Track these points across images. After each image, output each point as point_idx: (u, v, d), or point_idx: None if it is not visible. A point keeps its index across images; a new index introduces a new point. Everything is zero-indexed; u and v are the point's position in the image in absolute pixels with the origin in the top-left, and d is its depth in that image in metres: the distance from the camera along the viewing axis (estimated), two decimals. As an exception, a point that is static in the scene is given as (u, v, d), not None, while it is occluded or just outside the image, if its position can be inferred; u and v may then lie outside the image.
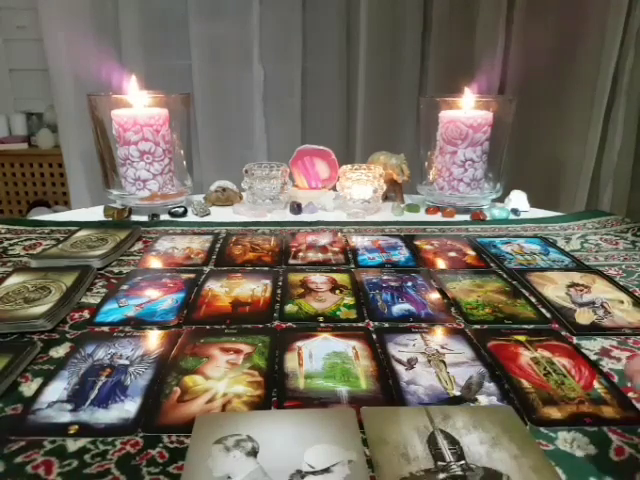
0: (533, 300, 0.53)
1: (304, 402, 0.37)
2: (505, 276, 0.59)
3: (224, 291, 0.55)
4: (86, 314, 0.50)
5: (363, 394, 0.37)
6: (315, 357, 0.42)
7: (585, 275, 0.59)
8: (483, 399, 0.37)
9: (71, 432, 0.33)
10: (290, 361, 0.41)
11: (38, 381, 0.39)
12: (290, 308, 0.51)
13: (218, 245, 0.69)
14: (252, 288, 0.55)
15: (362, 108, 1.55)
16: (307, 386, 0.38)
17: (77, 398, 0.37)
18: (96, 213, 0.84)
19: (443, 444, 0.32)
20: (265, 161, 0.90)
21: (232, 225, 0.78)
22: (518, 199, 0.88)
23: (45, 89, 1.90)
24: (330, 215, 0.85)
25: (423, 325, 0.48)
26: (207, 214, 0.84)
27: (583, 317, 0.49)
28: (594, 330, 0.47)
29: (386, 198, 0.91)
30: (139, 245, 0.70)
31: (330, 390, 0.38)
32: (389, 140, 1.55)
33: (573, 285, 0.57)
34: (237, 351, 0.43)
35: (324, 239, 0.72)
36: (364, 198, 0.84)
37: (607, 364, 0.42)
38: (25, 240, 0.71)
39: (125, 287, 0.55)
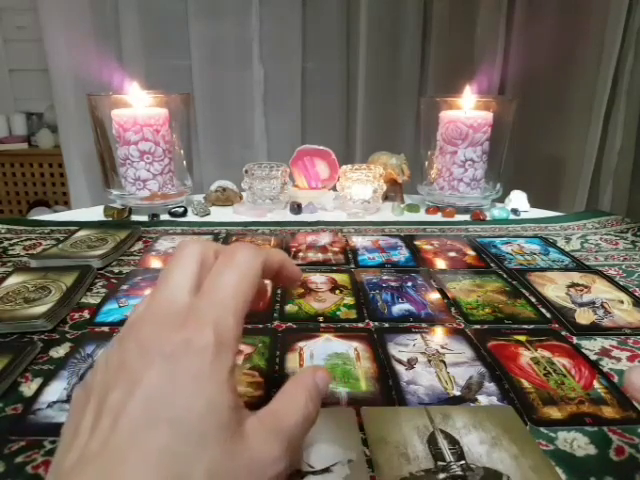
0: (533, 300, 0.53)
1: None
2: (505, 276, 0.59)
3: (224, 291, 0.54)
4: (86, 314, 0.50)
5: (363, 396, 0.37)
6: (316, 358, 0.42)
7: (585, 275, 0.59)
8: (483, 399, 0.37)
9: (71, 432, 0.33)
10: (291, 362, 0.41)
11: (38, 381, 0.39)
12: (290, 308, 0.51)
13: (218, 245, 0.69)
14: (252, 288, 0.55)
15: (362, 108, 1.55)
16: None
17: (77, 398, 0.37)
18: (96, 213, 0.84)
19: (443, 444, 0.32)
20: (265, 161, 0.90)
21: (232, 225, 0.78)
22: (518, 199, 0.88)
23: (45, 89, 1.90)
24: (330, 215, 0.84)
25: (423, 325, 0.48)
26: (207, 214, 0.84)
27: (583, 317, 0.49)
28: (594, 330, 0.47)
29: (386, 198, 0.91)
30: (139, 245, 0.70)
31: (330, 392, 0.37)
32: (389, 140, 1.55)
33: (573, 285, 0.57)
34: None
35: (324, 239, 0.72)
36: (364, 198, 0.84)
37: (607, 364, 0.42)
38: (25, 240, 0.71)
39: (125, 287, 0.55)
